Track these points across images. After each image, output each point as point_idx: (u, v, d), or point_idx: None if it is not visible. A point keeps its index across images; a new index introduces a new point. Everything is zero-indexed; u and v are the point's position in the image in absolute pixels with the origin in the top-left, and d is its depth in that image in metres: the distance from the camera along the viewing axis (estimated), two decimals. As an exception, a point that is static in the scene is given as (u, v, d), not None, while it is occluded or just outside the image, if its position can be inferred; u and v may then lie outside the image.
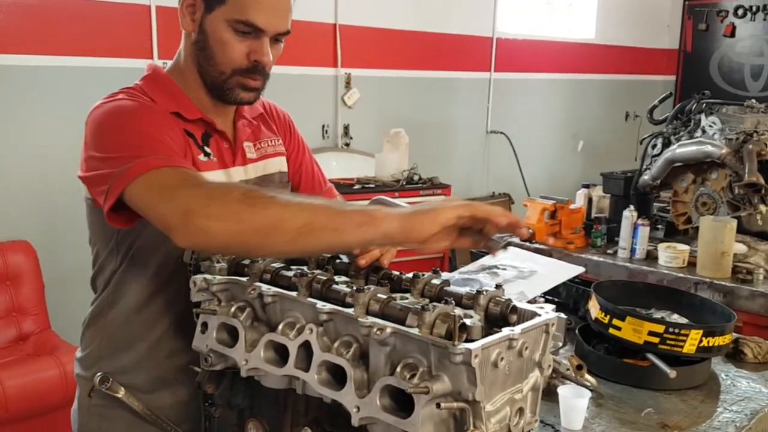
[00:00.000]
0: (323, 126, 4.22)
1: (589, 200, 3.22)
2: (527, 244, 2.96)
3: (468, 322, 0.92)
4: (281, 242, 1.01)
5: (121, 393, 1.31)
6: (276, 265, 1.13)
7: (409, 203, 1.14)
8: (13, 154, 3.07)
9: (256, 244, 1.02)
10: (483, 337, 0.91)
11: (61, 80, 3.15)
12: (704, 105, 3.04)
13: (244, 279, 1.13)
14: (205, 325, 1.14)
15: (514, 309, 1.00)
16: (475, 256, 2.35)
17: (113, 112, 1.20)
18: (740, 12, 6.23)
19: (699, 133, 2.99)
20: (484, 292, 1.01)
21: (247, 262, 1.15)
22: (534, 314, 1.00)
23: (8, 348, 2.95)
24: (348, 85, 4.23)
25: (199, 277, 1.13)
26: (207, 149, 1.31)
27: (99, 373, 1.31)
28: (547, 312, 1.01)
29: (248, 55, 1.25)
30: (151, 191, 1.08)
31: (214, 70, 1.27)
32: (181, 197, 1.04)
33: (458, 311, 0.95)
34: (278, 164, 1.45)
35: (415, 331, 0.91)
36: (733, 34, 6.28)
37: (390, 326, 0.92)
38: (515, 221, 1.03)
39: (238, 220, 1.00)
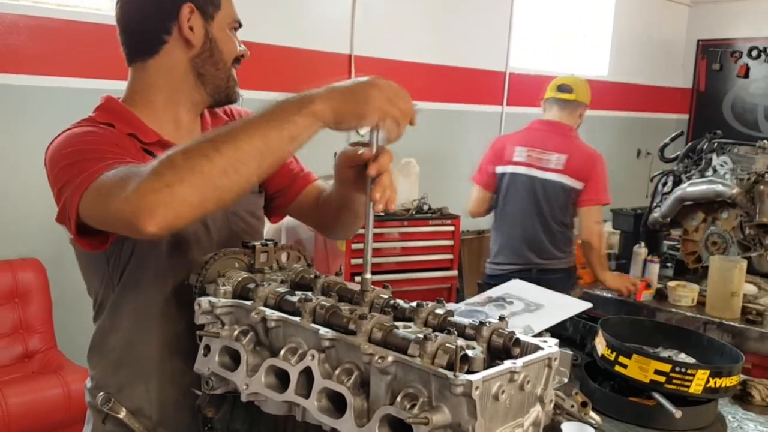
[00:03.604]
0: (335, 154, 4.23)
1: (599, 236, 3.21)
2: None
3: (470, 353, 0.91)
4: (250, 172, 1.00)
5: (123, 414, 1.30)
6: (281, 290, 1.13)
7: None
8: (25, 172, 3.10)
9: (226, 186, 0.98)
10: (485, 369, 0.91)
11: (71, 101, 3.18)
12: (716, 144, 3.04)
13: (248, 303, 1.13)
14: (207, 347, 1.14)
15: (517, 341, 0.99)
16: (481, 288, 2.34)
17: (63, 142, 1.20)
18: (754, 53, 6.25)
19: (710, 172, 2.99)
20: (488, 324, 1.00)
21: (252, 286, 1.16)
22: (537, 348, 0.99)
23: (14, 365, 2.95)
24: (361, 114, 4.26)
25: (203, 299, 1.14)
26: None
27: (101, 393, 1.31)
28: (550, 346, 1.00)
29: (236, 47, 1.36)
30: (99, 197, 1.04)
31: (222, 72, 1.34)
32: (129, 186, 0.97)
33: (461, 342, 0.94)
34: None
35: (416, 360, 0.91)
36: (746, 75, 6.30)
37: (392, 355, 0.92)
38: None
39: (200, 172, 0.96)
